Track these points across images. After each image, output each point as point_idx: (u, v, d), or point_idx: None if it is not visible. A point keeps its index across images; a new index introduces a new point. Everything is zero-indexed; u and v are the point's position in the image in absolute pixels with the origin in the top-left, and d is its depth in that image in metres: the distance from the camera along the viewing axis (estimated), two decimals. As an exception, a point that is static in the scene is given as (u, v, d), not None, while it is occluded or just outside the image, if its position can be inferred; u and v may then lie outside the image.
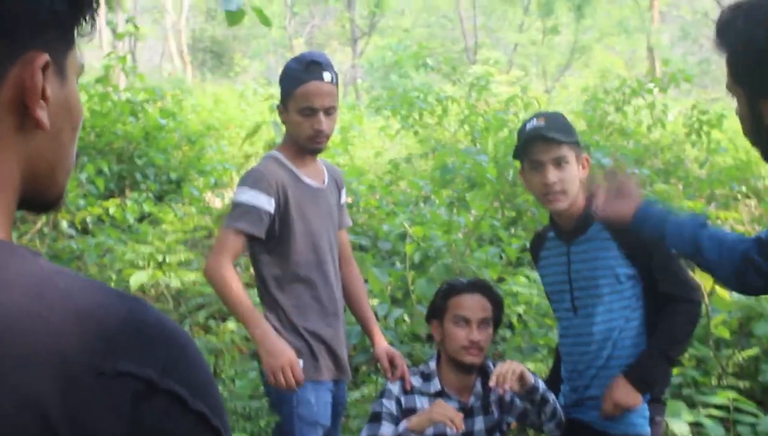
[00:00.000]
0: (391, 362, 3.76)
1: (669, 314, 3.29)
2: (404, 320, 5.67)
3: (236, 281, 3.42)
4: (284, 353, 3.35)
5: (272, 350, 3.35)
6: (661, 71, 11.68)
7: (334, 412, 3.66)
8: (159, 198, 9.54)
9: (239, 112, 17.03)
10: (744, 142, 13.55)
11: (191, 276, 6.42)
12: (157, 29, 35.29)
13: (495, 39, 37.49)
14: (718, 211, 7.82)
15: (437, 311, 3.70)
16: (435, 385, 3.62)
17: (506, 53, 33.83)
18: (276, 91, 13.41)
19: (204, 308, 6.44)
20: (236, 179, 11.32)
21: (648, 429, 3.36)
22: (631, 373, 3.27)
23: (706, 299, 5.09)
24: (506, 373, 3.30)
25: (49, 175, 1.11)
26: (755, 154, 11.97)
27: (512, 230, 7.89)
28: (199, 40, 37.12)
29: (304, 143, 3.55)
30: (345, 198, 3.95)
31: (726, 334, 5.28)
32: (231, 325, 5.77)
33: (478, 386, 3.63)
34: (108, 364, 0.92)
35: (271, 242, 3.50)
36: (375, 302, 5.48)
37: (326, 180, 3.71)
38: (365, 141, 15.49)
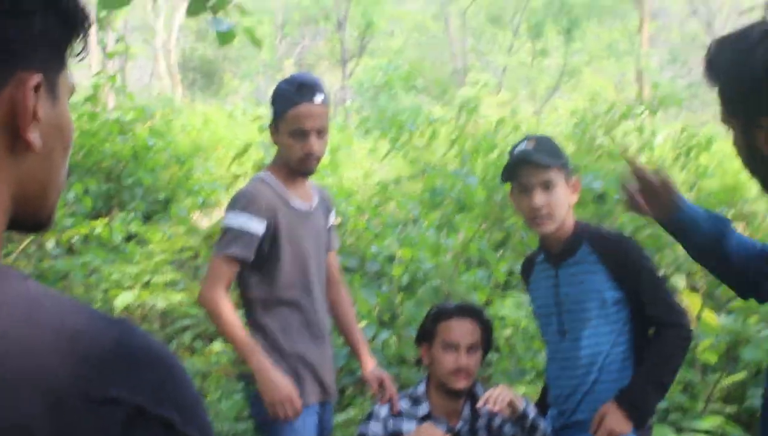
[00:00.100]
0: (381, 384, 3.74)
1: (659, 338, 3.28)
2: (390, 343, 5.64)
3: (232, 311, 3.42)
4: (283, 386, 3.37)
5: (271, 384, 3.37)
6: (650, 94, 11.71)
7: (320, 434, 3.64)
8: (147, 218, 9.50)
9: (228, 133, 17.00)
10: (732, 166, 13.59)
11: (178, 297, 6.39)
12: (147, 49, 35.26)
13: (484, 61, 37.61)
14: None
15: (426, 334, 3.69)
16: (423, 408, 3.60)
17: (496, 75, 33.91)
18: (265, 111, 13.41)
19: (190, 328, 6.41)
20: (224, 199, 11.30)
21: None
22: (623, 399, 3.25)
23: (694, 323, 5.08)
24: (496, 397, 3.29)
25: (40, 196, 1.10)
26: (743, 178, 12.02)
27: (500, 253, 7.88)
28: (189, 59, 37.12)
29: (295, 165, 3.54)
30: (334, 220, 3.94)
31: (713, 358, 5.27)
32: (217, 346, 5.74)
33: (467, 411, 3.62)
34: (97, 389, 0.91)
35: (258, 265, 3.49)
36: (362, 324, 5.46)
37: (315, 202, 3.70)
38: (354, 162, 15.48)
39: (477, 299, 5.69)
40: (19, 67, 1.03)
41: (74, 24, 1.09)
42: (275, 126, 3.55)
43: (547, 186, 3.34)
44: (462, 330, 3.61)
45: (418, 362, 3.88)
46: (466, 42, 34.66)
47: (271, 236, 3.47)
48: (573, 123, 11.90)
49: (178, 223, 8.95)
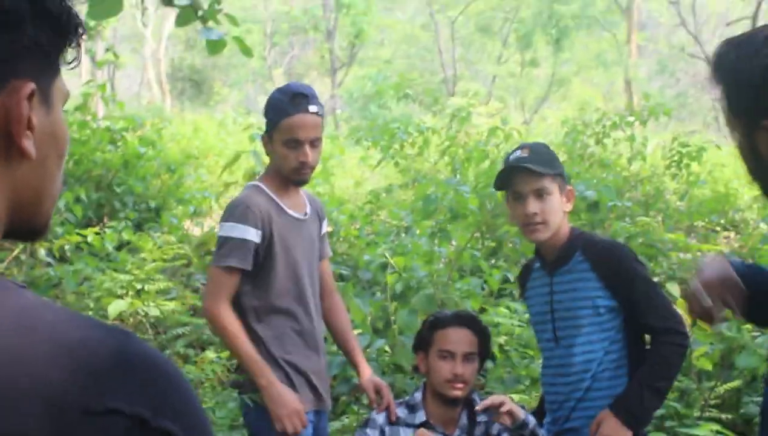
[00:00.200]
0: (377, 392, 3.73)
1: (657, 346, 3.28)
2: (386, 351, 5.63)
3: (237, 325, 3.43)
4: (290, 402, 3.39)
5: (278, 400, 3.38)
6: (639, 104, 11.75)
7: (315, 442, 3.64)
8: (138, 226, 9.47)
9: (218, 141, 17.02)
10: (723, 175, 13.67)
11: (170, 305, 6.36)
12: (136, 58, 35.28)
13: (474, 71, 37.71)
14: (700, 244, 7.84)
15: (423, 342, 3.69)
16: (420, 416, 3.60)
17: (485, 85, 34.02)
18: (255, 120, 13.37)
19: (182, 336, 6.38)
20: (215, 208, 11.28)
21: None
22: (618, 407, 3.25)
23: (689, 331, 5.08)
24: (496, 404, 3.29)
25: (35, 204, 1.09)
26: (734, 186, 12.04)
27: (492, 261, 7.89)
28: (178, 69, 37.13)
29: (288, 175, 3.54)
30: (326, 228, 3.94)
31: (708, 366, 5.27)
32: (210, 354, 5.71)
33: (464, 419, 3.61)
34: (97, 401, 0.90)
35: (252, 273, 3.48)
36: (357, 332, 5.44)
37: (308, 211, 3.70)
38: (345, 171, 15.49)
39: (471, 306, 5.68)
40: (11, 76, 1.03)
41: (66, 32, 1.09)
42: (269, 135, 3.55)
43: (540, 194, 3.35)
44: (458, 339, 3.61)
45: (416, 370, 3.87)
46: (456, 51, 34.71)
47: (266, 244, 3.47)
48: (564, 132, 11.93)
49: (169, 231, 8.93)
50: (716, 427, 4.74)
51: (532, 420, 3.39)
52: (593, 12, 32.55)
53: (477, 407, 3.40)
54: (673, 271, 7.06)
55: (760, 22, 18.02)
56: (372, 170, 13.90)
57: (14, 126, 1.03)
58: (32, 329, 0.92)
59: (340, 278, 7.19)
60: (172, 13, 25.43)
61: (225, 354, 5.37)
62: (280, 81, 33.97)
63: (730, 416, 5.20)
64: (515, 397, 5.06)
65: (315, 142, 3.51)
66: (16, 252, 7.31)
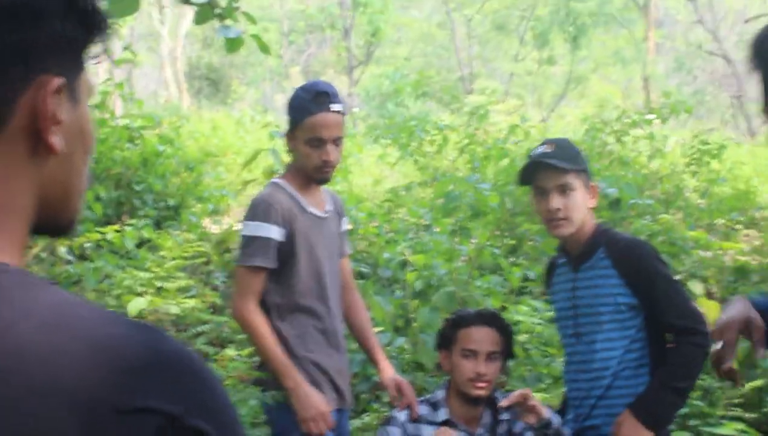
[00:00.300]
0: (398, 390, 3.72)
1: (677, 345, 3.26)
2: (405, 349, 5.62)
3: (265, 325, 3.44)
4: (316, 404, 3.39)
5: (304, 402, 3.39)
6: (658, 102, 11.70)
7: (337, 441, 3.63)
8: (157, 224, 9.49)
9: (237, 139, 17.04)
10: (743, 173, 13.60)
11: (190, 303, 6.38)
12: (153, 57, 35.37)
13: (490, 69, 37.65)
14: (721, 242, 7.80)
15: (446, 341, 3.68)
16: (442, 414, 3.59)
17: (502, 82, 33.95)
18: (272, 118, 13.39)
19: (203, 334, 6.39)
20: (234, 206, 11.29)
21: None
22: (638, 407, 3.23)
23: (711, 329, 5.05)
24: (520, 400, 3.28)
25: (62, 200, 1.09)
26: (754, 184, 11.98)
27: (512, 259, 7.87)
28: (195, 67, 37.19)
29: (311, 173, 3.54)
30: (346, 226, 3.93)
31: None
32: (230, 352, 5.72)
33: (487, 417, 3.60)
34: (130, 399, 0.89)
35: (276, 272, 3.48)
36: (378, 330, 5.43)
37: (329, 208, 3.69)
38: (363, 169, 15.49)
39: (491, 304, 5.67)
40: (39, 71, 1.02)
41: (93, 26, 1.08)
42: (291, 133, 3.54)
43: (564, 189, 3.35)
44: (481, 337, 3.59)
45: (439, 368, 3.86)
46: (472, 49, 34.68)
47: (289, 242, 3.47)
48: (583, 129, 11.91)
49: (189, 229, 8.94)
50: (741, 426, 4.72)
51: (556, 420, 3.38)
52: (610, 9, 32.42)
53: (500, 404, 3.39)
54: (695, 269, 7.03)
55: (780, 19, 17.88)
56: (391, 168, 13.89)
57: (42, 122, 1.02)
58: (63, 326, 0.92)
59: (360, 275, 7.18)
60: (189, 12, 25.48)
61: (245, 352, 5.38)
62: (296, 79, 34.05)
63: (754, 415, 5.17)
64: (537, 396, 5.04)
65: (337, 141, 3.51)
66: (36, 250, 7.33)
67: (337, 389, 3.61)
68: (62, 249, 7.54)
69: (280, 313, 3.51)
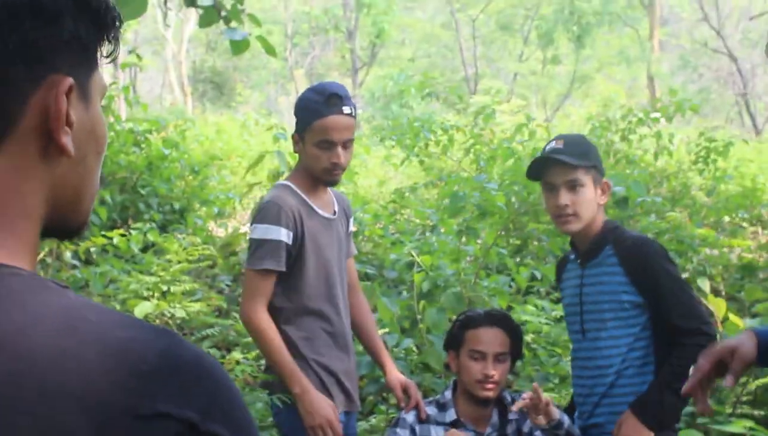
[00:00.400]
0: (405, 391, 3.70)
1: (680, 345, 3.23)
2: (413, 350, 5.60)
3: (274, 329, 3.40)
4: (323, 411, 3.36)
5: (311, 409, 3.35)
6: (664, 100, 11.68)
7: (346, 444, 3.62)
8: (162, 228, 9.49)
9: (241, 142, 17.06)
10: (749, 170, 13.57)
11: (195, 306, 6.36)
12: (158, 60, 35.41)
13: (495, 69, 37.63)
14: (729, 240, 7.78)
15: (454, 341, 3.66)
16: (451, 414, 3.58)
17: (506, 83, 33.93)
18: (277, 121, 13.36)
19: (208, 338, 6.38)
20: (239, 209, 11.29)
21: None
22: (638, 407, 3.22)
23: (720, 327, 5.03)
24: (533, 401, 3.27)
25: (74, 202, 1.08)
26: (761, 181, 11.96)
27: (518, 259, 7.86)
28: (199, 71, 37.26)
29: (319, 175, 3.50)
30: (352, 227, 3.91)
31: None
32: (237, 355, 5.71)
33: (495, 417, 3.59)
34: (146, 404, 0.88)
35: (284, 275, 3.46)
36: (385, 331, 5.42)
37: (336, 209, 3.67)
38: (367, 170, 15.49)
39: (498, 304, 5.65)
40: (50, 71, 1.01)
41: (104, 25, 1.07)
42: (300, 135, 3.51)
43: (573, 185, 3.35)
44: (489, 339, 3.58)
45: (447, 368, 3.85)
46: (477, 50, 34.67)
47: (298, 245, 3.45)
48: (588, 128, 11.89)
49: (194, 232, 8.94)
50: (749, 423, 4.70)
51: (567, 420, 3.36)
52: (615, 8, 32.42)
53: (512, 408, 3.37)
54: (703, 267, 7.01)
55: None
56: (396, 169, 13.88)
57: (53, 122, 1.01)
58: (77, 329, 0.91)
59: (366, 277, 7.18)
60: (193, 16, 25.50)
61: (251, 355, 5.36)
62: (301, 82, 34.09)
63: (762, 413, 5.15)
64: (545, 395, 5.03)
65: (347, 144, 3.48)
66: (41, 255, 7.33)
67: (345, 392, 3.59)
68: (68, 254, 7.54)
69: (287, 316, 3.48)
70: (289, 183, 3.56)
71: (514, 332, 3.64)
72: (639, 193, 6.67)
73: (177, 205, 10.25)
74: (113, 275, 6.89)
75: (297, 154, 3.60)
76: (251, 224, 3.54)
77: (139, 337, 0.93)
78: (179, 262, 6.78)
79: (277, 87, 41.17)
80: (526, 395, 3.32)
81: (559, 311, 5.97)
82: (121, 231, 7.98)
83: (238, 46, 5.15)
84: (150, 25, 33.67)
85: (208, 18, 5.27)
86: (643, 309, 3.31)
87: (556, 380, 5.38)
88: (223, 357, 5.96)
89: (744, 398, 5.27)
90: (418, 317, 5.56)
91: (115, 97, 10.55)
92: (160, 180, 10.13)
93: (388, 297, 5.88)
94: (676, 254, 6.77)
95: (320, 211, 3.55)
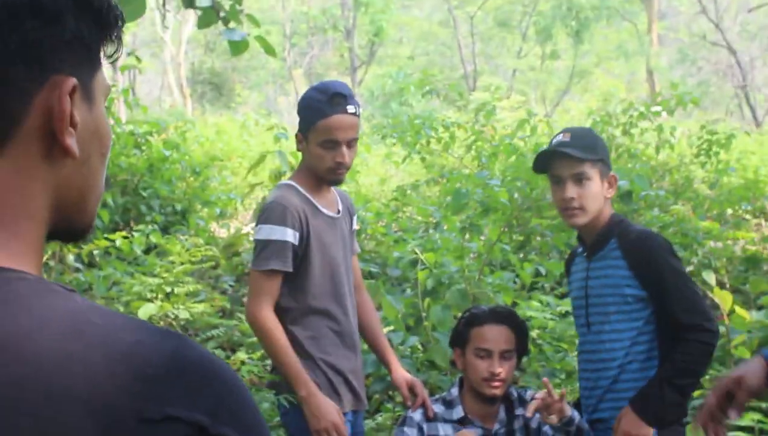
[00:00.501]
0: (411, 390, 3.69)
1: (683, 341, 3.21)
2: (418, 348, 5.60)
3: (280, 330, 3.38)
4: (328, 414, 3.34)
5: (316, 412, 3.34)
6: (663, 93, 11.68)
7: (353, 443, 3.61)
8: (164, 229, 9.49)
9: (241, 143, 17.06)
10: (751, 162, 13.56)
11: (199, 307, 6.35)
12: (156, 62, 35.41)
13: (493, 65, 37.64)
14: (733, 232, 7.77)
15: (459, 339, 3.65)
16: (458, 412, 3.57)
17: (505, 79, 33.93)
18: (276, 121, 13.33)
19: (213, 339, 6.37)
20: (241, 209, 11.28)
21: None
22: (638, 403, 3.21)
23: (726, 319, 5.03)
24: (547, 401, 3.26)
25: (79, 204, 1.06)
26: (763, 173, 11.95)
27: (521, 254, 7.85)
28: (198, 72, 37.28)
29: (323, 174, 3.49)
30: (356, 225, 3.90)
31: (746, 354, 5.20)
32: (242, 355, 5.70)
33: (503, 413, 3.58)
34: (154, 408, 0.87)
35: (290, 275, 3.44)
36: (389, 329, 5.41)
37: (340, 208, 3.66)
38: (369, 168, 15.49)
39: (503, 301, 5.64)
40: (53, 72, 1.00)
41: (107, 24, 1.06)
42: (303, 134, 3.49)
43: (579, 179, 3.35)
44: (495, 336, 3.56)
45: (453, 365, 3.83)
46: (475, 46, 34.66)
47: (303, 245, 3.43)
48: (590, 123, 11.88)
49: (196, 233, 8.94)
50: (757, 416, 4.68)
51: (577, 415, 3.35)
52: (612, 2, 32.37)
53: (527, 413, 3.35)
54: (708, 259, 7.01)
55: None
56: (397, 167, 13.88)
57: (57, 123, 0.99)
58: (84, 333, 0.90)
59: (370, 275, 7.17)
60: (191, 17, 25.49)
61: (256, 355, 5.36)
62: (300, 82, 34.10)
63: (770, 405, 5.13)
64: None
65: (351, 143, 3.46)
66: (44, 258, 7.32)
67: (353, 391, 3.58)
68: (71, 257, 7.53)
69: (293, 316, 3.47)
70: (293, 183, 3.55)
71: (519, 328, 3.63)
72: (642, 187, 6.66)
73: (179, 207, 10.25)
74: (116, 278, 6.89)
75: (299, 154, 3.58)
76: (256, 225, 3.52)
77: (146, 340, 0.91)
78: (182, 263, 6.77)
79: (276, 87, 41.17)
80: (539, 395, 3.31)
81: (564, 307, 5.97)
82: (124, 233, 7.98)
83: (237, 47, 5.13)
84: (148, 27, 33.68)
85: (206, 19, 5.25)
86: (646, 303, 3.30)
87: (563, 376, 5.37)
88: (228, 358, 5.95)
89: (752, 391, 5.25)
90: (423, 314, 5.56)
91: (114, 99, 10.53)
92: (161, 182, 10.12)
93: (393, 295, 5.88)
94: (680, 247, 6.76)
95: (325, 211, 3.54)
